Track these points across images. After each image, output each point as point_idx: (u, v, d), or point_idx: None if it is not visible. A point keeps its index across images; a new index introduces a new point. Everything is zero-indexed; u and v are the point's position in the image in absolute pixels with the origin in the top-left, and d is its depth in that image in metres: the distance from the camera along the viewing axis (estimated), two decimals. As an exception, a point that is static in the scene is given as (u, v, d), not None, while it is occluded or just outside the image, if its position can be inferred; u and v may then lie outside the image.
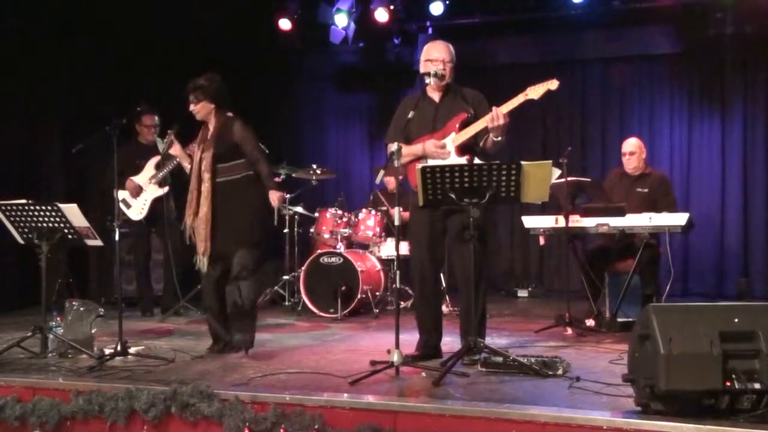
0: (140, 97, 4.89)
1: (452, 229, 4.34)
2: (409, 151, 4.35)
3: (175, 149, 4.78)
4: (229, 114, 4.66)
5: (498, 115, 4.11)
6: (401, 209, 4.09)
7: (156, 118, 6.59)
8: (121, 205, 6.47)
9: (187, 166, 4.75)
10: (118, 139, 4.59)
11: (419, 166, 4.02)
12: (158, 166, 6.48)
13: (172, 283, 6.70)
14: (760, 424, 2.82)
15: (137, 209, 6.49)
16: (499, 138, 4.21)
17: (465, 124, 4.32)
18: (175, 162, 6.31)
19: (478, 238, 4.05)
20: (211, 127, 4.66)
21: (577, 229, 5.60)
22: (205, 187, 4.54)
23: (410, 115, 4.24)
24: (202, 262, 4.56)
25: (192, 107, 4.62)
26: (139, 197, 6.49)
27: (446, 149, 4.31)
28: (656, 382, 2.90)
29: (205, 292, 4.73)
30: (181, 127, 4.76)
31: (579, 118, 8.68)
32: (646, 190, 5.89)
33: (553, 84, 4.17)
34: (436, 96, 4.47)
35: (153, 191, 6.49)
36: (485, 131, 4.24)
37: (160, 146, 6.58)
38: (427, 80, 4.35)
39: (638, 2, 7.83)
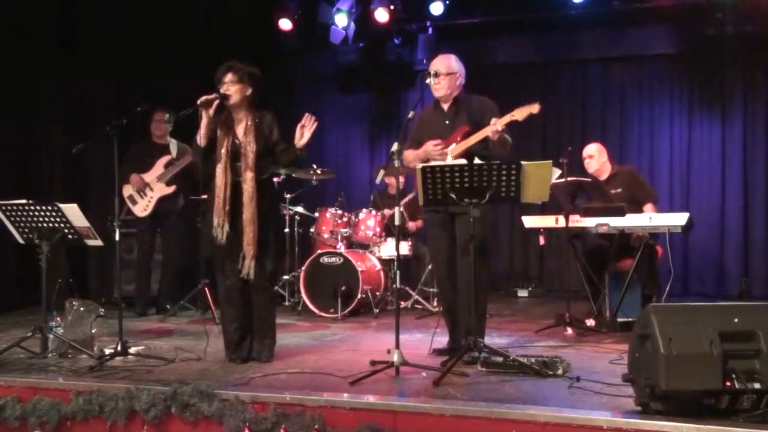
0: (140, 97, 4.83)
1: (461, 230, 4.41)
2: (414, 155, 4.60)
3: (210, 112, 4.20)
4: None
5: (495, 130, 4.33)
6: (402, 209, 4.12)
7: (168, 115, 6.57)
8: (128, 201, 6.50)
9: (201, 138, 4.25)
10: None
11: (419, 165, 4.04)
12: (167, 166, 6.50)
13: (169, 284, 6.70)
14: (760, 424, 2.82)
15: (142, 206, 6.51)
16: (501, 144, 4.45)
17: (466, 136, 4.51)
18: (186, 162, 6.32)
19: (477, 246, 4.09)
20: (242, 118, 4.32)
21: (577, 229, 5.61)
22: (248, 187, 4.20)
23: (410, 114, 4.37)
24: (250, 268, 4.20)
25: (227, 87, 4.23)
26: (144, 194, 6.50)
27: (444, 151, 4.50)
28: (656, 382, 2.90)
29: (228, 300, 4.35)
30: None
31: (579, 118, 8.68)
32: (620, 190, 5.90)
33: (534, 108, 4.35)
34: (445, 106, 4.67)
35: (160, 190, 6.50)
36: (486, 139, 4.44)
37: (173, 148, 6.60)
38: (427, 80, 4.57)
39: (638, 2, 7.82)
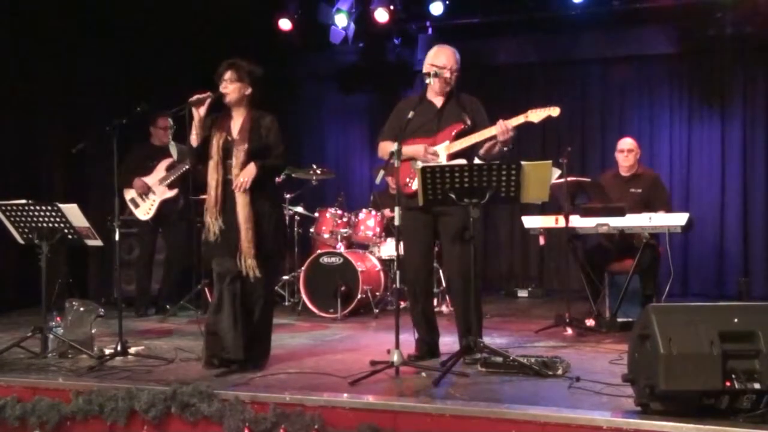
0: (141, 98, 4.82)
1: (446, 230, 4.34)
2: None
3: (201, 111, 4.13)
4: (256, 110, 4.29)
5: (507, 128, 4.18)
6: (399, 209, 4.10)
7: (170, 120, 6.56)
8: (130, 205, 6.49)
9: (194, 138, 4.18)
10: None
11: (420, 166, 4.03)
12: (169, 168, 6.49)
13: (170, 284, 6.70)
14: (760, 424, 2.82)
15: (144, 209, 6.50)
16: (506, 148, 4.30)
17: (460, 135, 4.36)
18: (186, 166, 6.30)
19: (477, 244, 4.08)
20: (239, 117, 4.23)
21: (577, 229, 5.61)
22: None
23: (410, 115, 4.20)
24: (251, 266, 4.07)
25: (226, 85, 4.16)
26: (147, 197, 6.49)
27: (437, 156, 4.33)
28: (656, 382, 2.90)
29: (221, 301, 4.16)
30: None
31: (579, 118, 8.67)
32: (639, 191, 5.90)
33: (554, 111, 4.22)
34: (438, 101, 4.47)
35: (162, 193, 6.49)
36: (483, 141, 4.30)
37: (174, 151, 6.58)
38: (428, 80, 4.35)
39: (638, 2, 7.81)
